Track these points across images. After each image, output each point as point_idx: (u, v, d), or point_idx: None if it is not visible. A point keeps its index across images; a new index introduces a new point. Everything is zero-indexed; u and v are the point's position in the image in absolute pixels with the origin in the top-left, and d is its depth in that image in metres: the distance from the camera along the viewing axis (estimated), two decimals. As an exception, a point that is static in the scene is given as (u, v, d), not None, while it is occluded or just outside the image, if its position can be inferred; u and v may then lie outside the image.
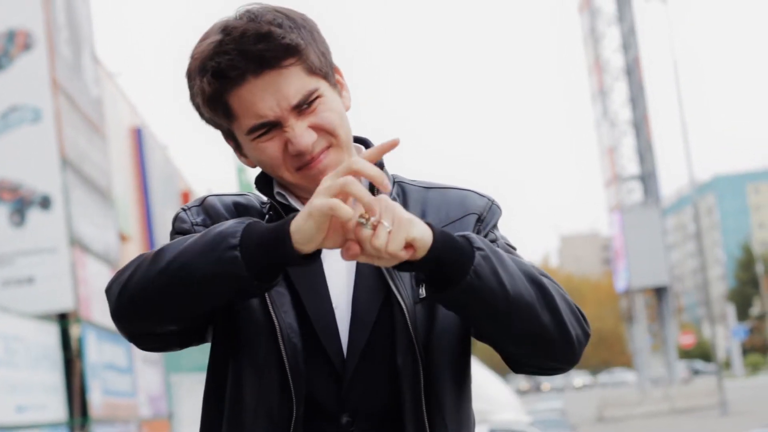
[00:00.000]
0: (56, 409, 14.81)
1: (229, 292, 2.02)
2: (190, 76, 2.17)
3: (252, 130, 2.15)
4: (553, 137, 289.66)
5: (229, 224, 2.02)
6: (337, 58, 2.27)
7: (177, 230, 2.24)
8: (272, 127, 2.14)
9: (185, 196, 30.38)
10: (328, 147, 2.16)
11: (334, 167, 2.12)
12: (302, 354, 2.12)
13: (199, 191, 32.52)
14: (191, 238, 2.05)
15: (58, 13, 17.23)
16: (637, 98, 65.67)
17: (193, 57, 2.17)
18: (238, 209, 2.25)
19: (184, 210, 2.26)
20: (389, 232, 1.94)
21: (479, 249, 2.03)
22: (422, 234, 1.97)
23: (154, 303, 2.05)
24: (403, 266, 2.00)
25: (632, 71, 65.88)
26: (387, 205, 1.96)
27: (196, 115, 2.24)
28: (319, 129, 2.14)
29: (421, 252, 1.98)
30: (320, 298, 2.15)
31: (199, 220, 2.23)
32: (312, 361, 2.13)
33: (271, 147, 2.15)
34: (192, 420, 21.61)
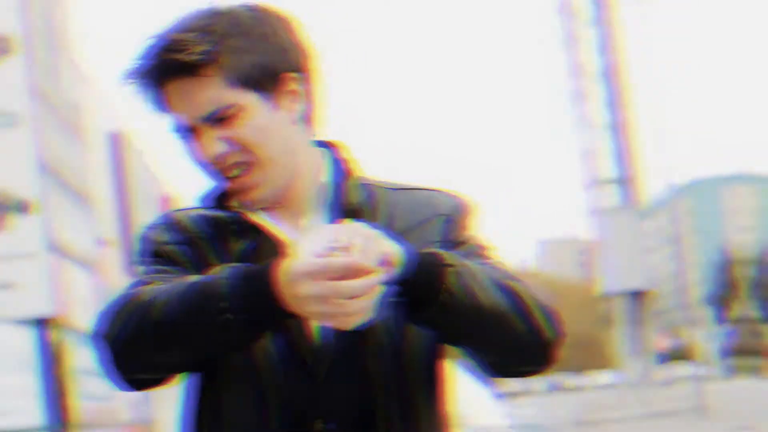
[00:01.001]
0: (34, 414, 14.77)
1: (231, 345, 2.04)
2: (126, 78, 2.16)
3: (174, 129, 2.16)
4: (529, 140, 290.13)
5: (219, 283, 1.98)
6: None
7: (147, 251, 2.20)
8: (190, 131, 2.14)
9: (164, 200, 30.31)
10: (250, 164, 2.13)
11: (257, 187, 2.14)
12: (276, 360, 2.11)
13: (178, 194, 32.44)
14: (177, 287, 2.02)
15: (36, 17, 17.18)
16: (615, 102, 65.73)
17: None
18: (206, 222, 2.21)
19: (149, 229, 2.22)
20: (362, 250, 1.92)
21: (449, 266, 2.01)
22: (394, 248, 1.97)
23: (147, 357, 2.04)
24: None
25: (610, 74, 65.91)
26: (351, 227, 1.96)
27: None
28: (234, 143, 2.12)
29: (397, 266, 1.97)
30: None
31: (167, 238, 2.19)
32: (285, 367, 2.11)
33: (193, 151, 2.16)
34: (173, 425, 21.52)
